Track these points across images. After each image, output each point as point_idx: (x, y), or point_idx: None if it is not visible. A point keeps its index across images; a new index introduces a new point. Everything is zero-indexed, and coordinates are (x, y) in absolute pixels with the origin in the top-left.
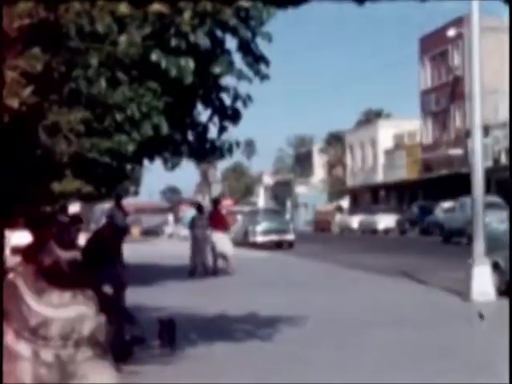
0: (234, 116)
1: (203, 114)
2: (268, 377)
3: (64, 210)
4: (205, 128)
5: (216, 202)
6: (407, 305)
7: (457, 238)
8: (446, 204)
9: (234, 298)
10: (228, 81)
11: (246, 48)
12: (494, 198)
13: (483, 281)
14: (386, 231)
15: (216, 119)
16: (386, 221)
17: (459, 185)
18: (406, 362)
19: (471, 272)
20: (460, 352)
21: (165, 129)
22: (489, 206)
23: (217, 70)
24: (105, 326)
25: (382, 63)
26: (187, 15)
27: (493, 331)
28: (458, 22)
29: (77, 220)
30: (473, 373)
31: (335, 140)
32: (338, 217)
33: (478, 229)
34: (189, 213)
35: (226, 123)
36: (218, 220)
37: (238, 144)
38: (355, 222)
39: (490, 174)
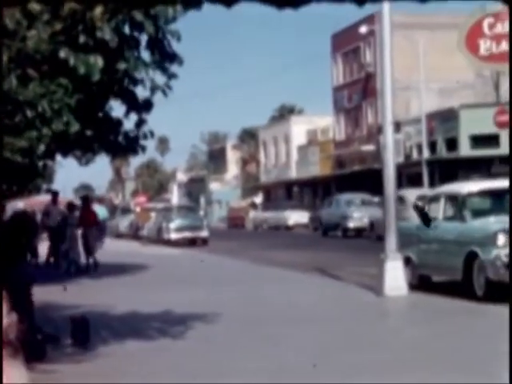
0: (146, 105)
1: (118, 108)
2: (178, 374)
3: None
4: (118, 122)
5: (85, 200)
6: (321, 301)
7: (333, 232)
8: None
9: (147, 295)
10: (143, 74)
11: (154, 46)
12: (365, 196)
13: (395, 276)
14: (294, 227)
15: (133, 113)
16: (295, 217)
17: (371, 180)
18: (322, 357)
19: (384, 267)
20: (377, 345)
21: (75, 126)
22: (364, 202)
23: (122, 66)
24: (16, 324)
25: (294, 59)
26: (98, 10)
27: (406, 325)
28: (370, 18)
29: None
30: (390, 364)
31: (249, 136)
32: (252, 213)
33: (389, 224)
34: (98, 209)
35: (143, 115)
36: (86, 217)
37: (152, 134)
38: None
39: (401, 170)
